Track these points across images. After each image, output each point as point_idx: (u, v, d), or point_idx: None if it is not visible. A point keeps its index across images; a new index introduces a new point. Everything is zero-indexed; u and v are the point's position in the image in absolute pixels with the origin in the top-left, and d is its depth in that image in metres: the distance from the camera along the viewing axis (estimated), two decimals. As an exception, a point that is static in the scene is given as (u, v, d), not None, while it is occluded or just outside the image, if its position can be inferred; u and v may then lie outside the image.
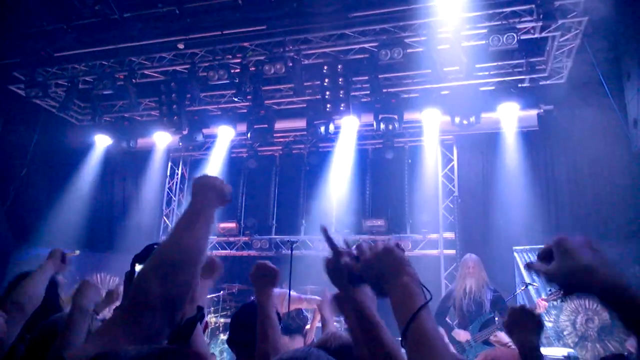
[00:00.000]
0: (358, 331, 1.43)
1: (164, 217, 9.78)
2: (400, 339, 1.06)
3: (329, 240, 1.42)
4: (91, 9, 7.25)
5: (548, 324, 7.42)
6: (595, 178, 7.06)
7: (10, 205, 8.11)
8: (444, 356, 1.01)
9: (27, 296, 2.21)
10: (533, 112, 7.45)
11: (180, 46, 7.45)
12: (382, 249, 1.18)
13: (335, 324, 3.57)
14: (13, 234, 8.26)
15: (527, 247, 7.48)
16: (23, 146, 8.30)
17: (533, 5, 6.21)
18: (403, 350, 1.07)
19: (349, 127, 7.93)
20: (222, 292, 7.95)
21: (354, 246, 1.27)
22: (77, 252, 8.31)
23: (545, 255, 1.07)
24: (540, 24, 6.32)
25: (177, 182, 9.98)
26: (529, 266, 1.10)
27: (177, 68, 7.76)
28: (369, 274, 1.19)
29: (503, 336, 4.92)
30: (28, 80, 7.88)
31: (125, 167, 9.51)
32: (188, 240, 1.19)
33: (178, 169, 10.02)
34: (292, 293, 5.06)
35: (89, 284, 2.10)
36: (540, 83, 7.22)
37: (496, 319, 5.25)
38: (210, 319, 7.19)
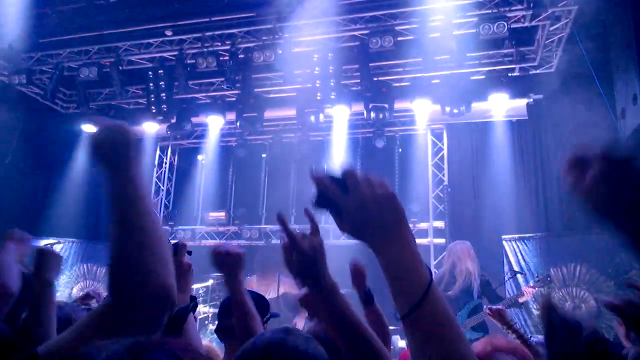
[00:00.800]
0: (338, 333, 1.33)
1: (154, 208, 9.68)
2: (401, 314, 0.85)
3: (285, 227, 1.30)
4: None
5: (535, 312, 7.51)
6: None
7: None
8: (465, 344, 0.84)
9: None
10: (523, 102, 7.47)
11: (168, 33, 7.33)
12: (383, 191, 0.89)
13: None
14: (-3, 224, 8.12)
15: (516, 236, 7.54)
16: (8, 134, 8.12)
17: (524, -6, 6.21)
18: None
19: (339, 116, 7.89)
20: (211, 281, 7.92)
21: (341, 169, 0.93)
22: (61, 244, 8.18)
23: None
24: (530, 12, 6.32)
25: (165, 171, 9.86)
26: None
27: (165, 55, 7.64)
28: (356, 215, 0.89)
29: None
30: (11, 67, 7.71)
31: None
32: (137, 218, 1.02)
33: (166, 158, 9.90)
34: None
35: (46, 252, 1.90)
36: (530, 72, 7.24)
37: (485, 306, 5.28)
38: (199, 309, 7.16)
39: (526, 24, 6.55)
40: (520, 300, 5.37)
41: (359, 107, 7.67)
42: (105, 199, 1.09)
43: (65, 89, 8.55)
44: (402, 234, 0.89)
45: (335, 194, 0.91)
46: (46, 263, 1.86)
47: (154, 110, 7.88)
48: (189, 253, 1.87)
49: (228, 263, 1.95)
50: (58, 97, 8.50)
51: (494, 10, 6.36)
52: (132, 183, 1.05)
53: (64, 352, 0.97)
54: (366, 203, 0.89)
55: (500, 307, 3.47)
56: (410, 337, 0.85)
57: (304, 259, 1.31)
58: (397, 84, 7.69)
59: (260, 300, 2.78)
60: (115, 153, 1.06)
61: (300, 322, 5.67)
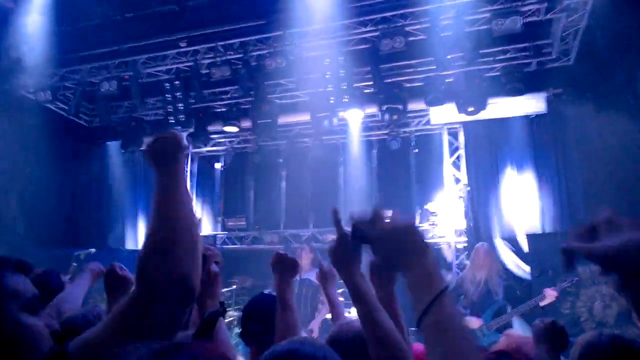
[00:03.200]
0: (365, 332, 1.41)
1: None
2: (417, 322, 0.99)
3: (337, 222, 1.36)
4: (93, 10, 7.34)
5: (564, 311, 7.31)
6: (608, 160, 6.87)
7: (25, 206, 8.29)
8: (468, 341, 0.96)
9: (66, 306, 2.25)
10: (541, 96, 7.28)
11: (183, 44, 7.48)
12: (404, 224, 1.08)
13: (341, 299, 3.48)
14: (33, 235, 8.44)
15: (539, 233, 7.36)
16: (35, 151, 8.46)
17: (537, -13, 6.05)
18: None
19: (353, 119, 7.88)
20: (234, 286, 8.04)
21: (372, 210, 1.13)
22: (93, 250, 8.48)
23: (587, 233, 0.97)
24: (545, 5, 6.15)
25: (186, 179, 10.06)
26: (565, 249, 0.96)
27: (180, 66, 7.80)
28: (382, 246, 1.09)
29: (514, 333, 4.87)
30: (37, 84, 8.03)
31: (135, 167, 9.65)
32: (174, 209, 1.14)
33: (186, 167, 10.11)
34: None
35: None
36: (548, 66, 7.05)
37: (508, 308, 5.20)
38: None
39: (541, 18, 6.38)
40: (542, 304, 5.23)
41: (373, 109, 7.64)
42: (148, 199, 1.17)
43: (88, 103, 8.83)
44: (421, 258, 1.04)
45: (367, 230, 1.12)
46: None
47: (172, 121, 8.06)
48: (217, 263, 1.94)
49: (285, 265, 2.11)
50: (81, 112, 8.79)
51: (506, 5, 6.22)
52: (175, 179, 1.20)
53: (92, 350, 1.05)
54: (390, 235, 1.08)
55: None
56: (425, 343, 0.98)
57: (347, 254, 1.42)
58: (409, 85, 7.62)
59: (269, 300, 2.82)
60: (165, 154, 1.22)
61: (317, 325, 5.70)
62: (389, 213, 1.12)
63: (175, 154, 1.23)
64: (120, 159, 9.27)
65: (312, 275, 5.34)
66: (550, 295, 5.14)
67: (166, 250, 1.07)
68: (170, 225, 1.10)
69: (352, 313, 5.20)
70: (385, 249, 1.09)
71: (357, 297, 1.38)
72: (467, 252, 7.84)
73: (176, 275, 1.06)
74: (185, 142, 1.27)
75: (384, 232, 1.09)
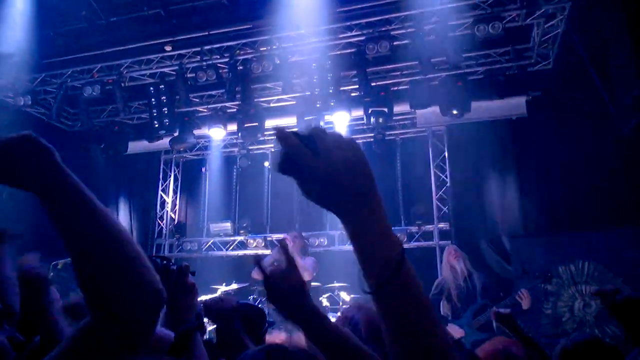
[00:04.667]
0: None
1: (158, 220, 9.76)
2: (371, 287, 0.79)
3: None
4: (77, 14, 7.25)
5: (546, 311, 7.45)
6: (587, 163, 7.08)
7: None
8: (438, 321, 0.81)
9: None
10: (522, 99, 7.48)
11: (168, 48, 7.45)
12: (354, 154, 0.79)
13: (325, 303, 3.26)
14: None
15: (523, 233, 7.51)
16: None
17: (517, -7, 6.25)
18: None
19: (340, 123, 7.94)
20: (219, 293, 7.94)
21: (310, 129, 0.80)
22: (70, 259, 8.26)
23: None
24: (524, 11, 6.36)
25: (169, 184, 9.96)
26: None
27: (165, 70, 7.75)
28: (325, 179, 0.77)
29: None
30: (16, 88, 7.87)
31: (118, 171, 9.49)
32: (78, 222, 0.93)
33: (170, 171, 10.00)
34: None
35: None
36: (528, 70, 7.26)
37: (489, 308, 5.27)
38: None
39: (520, 23, 6.58)
40: (524, 307, 5.11)
41: (359, 113, 7.72)
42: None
43: (70, 107, 8.69)
44: (373, 200, 0.81)
45: (303, 155, 0.78)
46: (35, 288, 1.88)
47: (156, 125, 7.98)
48: (192, 274, 1.86)
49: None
50: (62, 116, 8.63)
51: (488, 11, 6.41)
52: (69, 196, 0.93)
53: None
54: (337, 166, 0.78)
55: (508, 311, 3.34)
56: (383, 316, 0.80)
57: (283, 297, 1.33)
58: (395, 88, 7.73)
59: (256, 311, 2.79)
60: (31, 170, 0.90)
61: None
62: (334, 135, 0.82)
63: (44, 163, 0.92)
64: (102, 164, 9.11)
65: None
66: (525, 297, 4.90)
67: (105, 271, 0.91)
68: (101, 249, 0.92)
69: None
70: (328, 185, 0.78)
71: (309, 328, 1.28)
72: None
73: (145, 294, 0.93)
74: (41, 142, 0.94)
75: (327, 161, 0.77)
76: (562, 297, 7.26)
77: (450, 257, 5.46)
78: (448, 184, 8.21)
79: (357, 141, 0.86)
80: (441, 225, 8.15)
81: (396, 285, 0.77)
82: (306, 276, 5.69)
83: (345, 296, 7.28)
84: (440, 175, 8.39)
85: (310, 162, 0.78)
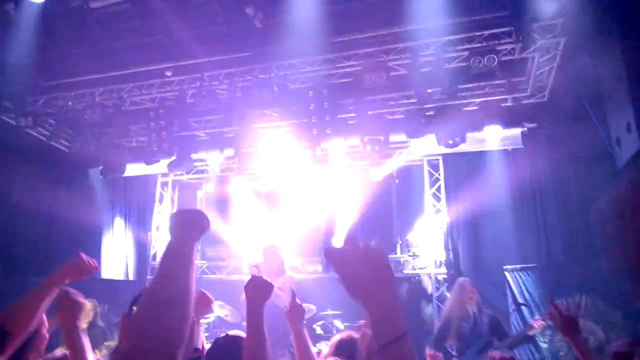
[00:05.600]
0: None
1: (154, 243, 9.74)
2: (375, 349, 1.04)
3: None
4: (80, 39, 7.41)
5: (543, 345, 7.33)
6: (581, 195, 7.08)
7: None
8: None
9: None
10: (517, 131, 7.53)
11: (168, 73, 7.57)
12: (375, 252, 1.11)
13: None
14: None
15: (519, 266, 7.44)
16: (14, 177, 8.31)
17: (512, 28, 6.35)
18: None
19: (335, 150, 7.99)
20: (212, 318, 7.86)
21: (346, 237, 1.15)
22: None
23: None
24: (519, 45, 6.45)
25: (166, 207, 9.98)
26: None
27: (166, 95, 7.85)
28: (350, 271, 1.10)
29: None
30: (18, 110, 7.98)
31: (115, 193, 9.53)
32: (176, 277, 1.20)
33: (167, 194, 10.03)
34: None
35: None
36: (523, 102, 7.32)
37: (494, 343, 5.21)
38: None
39: (516, 56, 6.67)
40: (530, 333, 5.36)
41: (356, 141, 7.78)
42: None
43: (70, 129, 8.78)
44: (388, 290, 1.08)
45: (343, 265, 1.12)
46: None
47: (155, 149, 8.05)
48: None
49: (260, 289, 2.07)
50: (62, 137, 8.71)
51: (483, 44, 6.51)
52: (184, 250, 1.27)
53: None
54: (365, 278, 1.08)
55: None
56: None
57: None
58: (391, 117, 7.80)
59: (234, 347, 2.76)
60: (192, 227, 1.31)
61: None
62: (371, 243, 1.19)
63: (191, 232, 1.31)
64: (100, 185, 9.15)
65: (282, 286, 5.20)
66: (537, 325, 5.26)
67: (160, 315, 1.13)
68: (168, 289, 1.18)
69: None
70: (354, 275, 1.09)
71: None
72: (447, 283, 7.88)
73: (163, 338, 1.11)
74: (207, 226, 1.37)
75: (354, 257, 1.10)
76: (559, 331, 7.17)
77: (466, 295, 5.38)
78: (443, 213, 8.20)
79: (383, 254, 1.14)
80: (436, 255, 8.09)
81: (393, 349, 1.01)
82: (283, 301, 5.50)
83: (339, 324, 7.20)
84: (436, 204, 8.38)
85: (346, 270, 1.10)
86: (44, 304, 1.93)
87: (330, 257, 1.14)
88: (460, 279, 5.79)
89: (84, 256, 2.08)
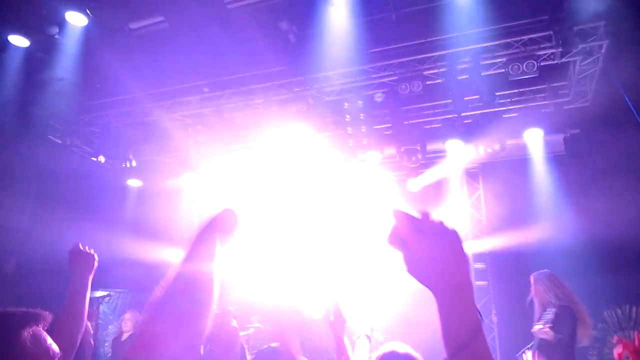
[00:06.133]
0: None
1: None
2: (447, 354, 0.89)
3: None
4: (121, 58, 7.66)
5: (592, 358, 7.08)
6: (628, 202, 6.81)
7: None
8: None
9: None
10: (559, 137, 7.33)
11: (206, 89, 7.73)
12: (454, 245, 0.92)
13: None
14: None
15: (564, 276, 7.20)
16: (60, 192, 8.62)
17: (551, 32, 6.21)
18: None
19: (372, 161, 7.96)
20: (251, 329, 7.87)
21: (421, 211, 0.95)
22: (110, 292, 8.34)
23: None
24: (559, 49, 6.30)
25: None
26: None
27: (203, 111, 8.01)
28: (425, 262, 0.92)
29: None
30: (63, 129, 8.31)
31: (157, 207, 9.74)
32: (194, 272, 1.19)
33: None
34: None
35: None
36: (565, 107, 7.13)
37: None
38: None
39: (557, 61, 6.51)
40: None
41: (392, 151, 7.73)
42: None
43: (112, 146, 9.05)
44: (463, 287, 0.91)
45: (411, 235, 0.93)
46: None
47: (193, 164, 8.21)
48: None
49: (83, 260, 2.20)
50: (105, 154, 9.00)
51: (522, 50, 6.39)
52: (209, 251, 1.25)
53: None
54: (437, 253, 0.91)
55: None
56: None
57: None
58: (428, 126, 7.73)
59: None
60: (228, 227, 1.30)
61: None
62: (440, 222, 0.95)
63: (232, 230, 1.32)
64: (141, 199, 9.38)
65: None
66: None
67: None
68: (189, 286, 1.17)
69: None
70: (426, 268, 0.92)
71: None
72: (488, 295, 7.70)
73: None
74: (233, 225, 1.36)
75: (430, 246, 0.92)
76: (608, 343, 6.88)
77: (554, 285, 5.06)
78: (484, 223, 8.03)
79: (456, 231, 0.96)
80: (477, 265, 7.93)
81: (466, 355, 0.87)
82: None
83: (378, 336, 7.11)
84: (476, 213, 8.22)
85: (415, 244, 0.93)
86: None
87: (399, 226, 0.94)
88: (544, 272, 5.42)
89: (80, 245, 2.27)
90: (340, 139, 7.62)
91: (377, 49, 6.90)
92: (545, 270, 5.27)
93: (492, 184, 8.01)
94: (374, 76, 7.07)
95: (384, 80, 7.09)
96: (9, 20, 6.52)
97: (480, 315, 0.91)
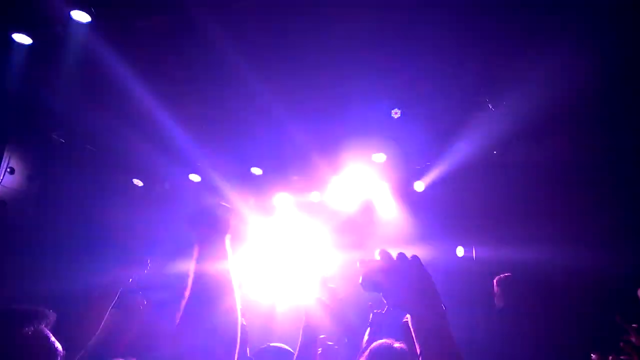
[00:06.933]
0: None
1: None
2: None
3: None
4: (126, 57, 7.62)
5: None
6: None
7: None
8: None
9: None
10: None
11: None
12: (410, 260, 1.16)
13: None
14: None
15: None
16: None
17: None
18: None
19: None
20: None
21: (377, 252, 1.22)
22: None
23: None
24: None
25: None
26: None
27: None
28: (393, 291, 1.15)
29: None
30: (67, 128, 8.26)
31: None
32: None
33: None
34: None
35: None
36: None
37: None
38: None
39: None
40: None
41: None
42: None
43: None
44: (432, 297, 1.13)
45: (381, 277, 1.15)
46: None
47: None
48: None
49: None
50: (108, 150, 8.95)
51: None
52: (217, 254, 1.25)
53: None
54: (407, 284, 1.12)
55: None
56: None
57: None
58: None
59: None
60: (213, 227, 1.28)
61: None
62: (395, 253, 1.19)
63: (211, 229, 1.32)
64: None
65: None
66: None
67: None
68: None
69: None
70: (395, 295, 1.12)
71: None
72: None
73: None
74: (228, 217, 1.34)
75: (393, 270, 1.13)
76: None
77: None
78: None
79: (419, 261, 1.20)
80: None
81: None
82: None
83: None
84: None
85: (386, 284, 1.14)
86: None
87: (368, 273, 1.17)
88: None
89: None
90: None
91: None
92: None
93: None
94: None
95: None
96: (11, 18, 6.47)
97: (444, 307, 1.10)
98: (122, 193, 8.69)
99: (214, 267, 1.18)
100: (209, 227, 1.26)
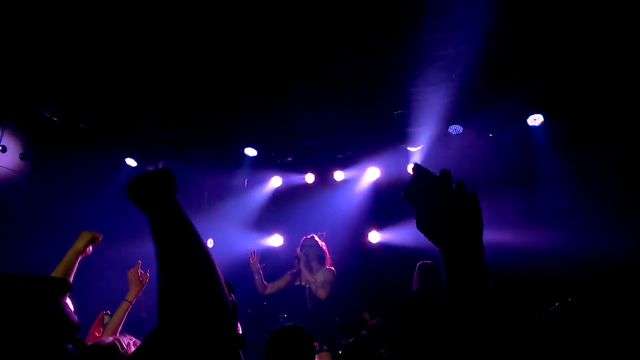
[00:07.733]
0: None
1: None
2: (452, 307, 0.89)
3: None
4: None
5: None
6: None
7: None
8: None
9: None
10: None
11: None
12: (470, 199, 0.92)
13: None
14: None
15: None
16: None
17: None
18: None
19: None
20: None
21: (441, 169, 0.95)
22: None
23: None
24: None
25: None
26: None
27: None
28: (436, 218, 0.92)
29: None
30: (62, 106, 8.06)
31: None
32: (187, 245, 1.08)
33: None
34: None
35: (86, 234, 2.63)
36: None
37: None
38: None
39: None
40: None
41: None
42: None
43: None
44: (472, 250, 0.89)
45: (425, 189, 0.93)
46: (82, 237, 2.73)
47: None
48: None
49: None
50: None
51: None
52: (172, 222, 1.10)
53: None
54: (448, 208, 0.91)
55: None
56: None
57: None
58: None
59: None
60: (154, 197, 1.12)
61: None
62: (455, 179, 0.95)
63: (164, 193, 1.15)
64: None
65: None
66: None
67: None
68: (187, 268, 1.06)
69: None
70: (437, 224, 0.91)
71: None
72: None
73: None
74: (168, 175, 1.17)
75: (442, 201, 0.91)
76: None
77: None
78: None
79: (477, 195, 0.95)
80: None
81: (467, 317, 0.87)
82: (321, 293, 5.48)
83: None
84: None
85: (426, 201, 0.92)
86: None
87: (415, 181, 0.94)
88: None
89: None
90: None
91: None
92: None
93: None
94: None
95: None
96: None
97: (490, 281, 0.88)
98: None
99: (174, 233, 1.08)
100: (150, 193, 1.11)
